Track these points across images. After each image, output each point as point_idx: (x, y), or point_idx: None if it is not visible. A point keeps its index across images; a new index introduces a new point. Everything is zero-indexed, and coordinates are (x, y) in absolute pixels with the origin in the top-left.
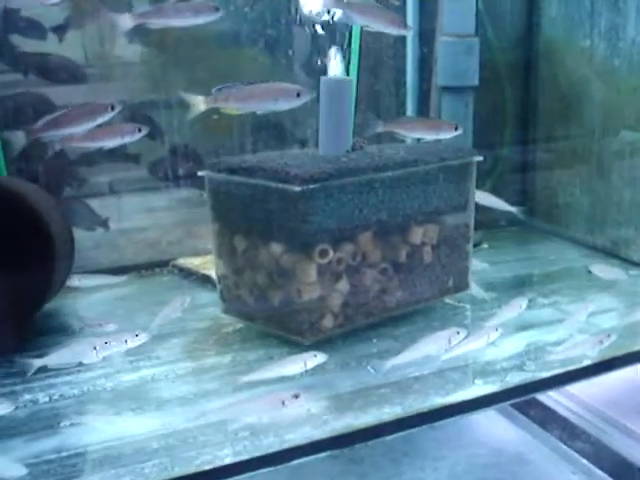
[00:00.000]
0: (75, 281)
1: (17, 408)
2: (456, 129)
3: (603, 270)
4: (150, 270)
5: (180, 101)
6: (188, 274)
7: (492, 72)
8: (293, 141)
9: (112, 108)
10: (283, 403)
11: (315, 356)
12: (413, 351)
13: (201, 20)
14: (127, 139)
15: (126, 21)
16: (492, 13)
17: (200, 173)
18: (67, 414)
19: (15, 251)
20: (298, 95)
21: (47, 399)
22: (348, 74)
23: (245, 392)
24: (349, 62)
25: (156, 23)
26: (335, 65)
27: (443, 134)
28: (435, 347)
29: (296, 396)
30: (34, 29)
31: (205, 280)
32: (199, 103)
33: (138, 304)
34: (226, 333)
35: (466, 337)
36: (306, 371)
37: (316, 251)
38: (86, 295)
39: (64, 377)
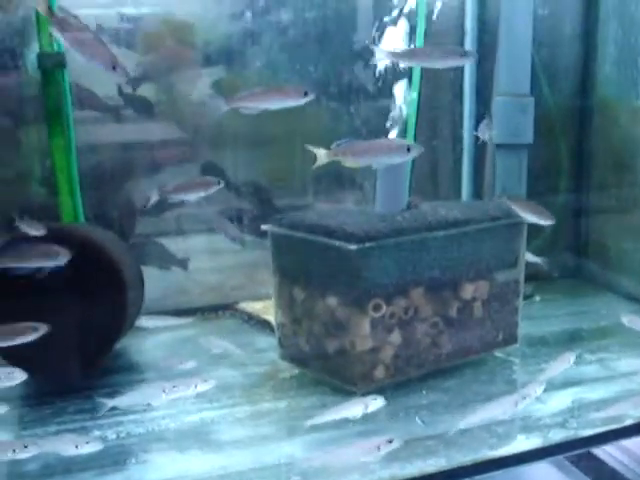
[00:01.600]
0: (144, 322)
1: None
2: None
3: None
4: (213, 313)
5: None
6: (249, 318)
7: (546, 128)
8: (352, 185)
9: (219, 183)
10: (379, 448)
11: (375, 399)
12: (481, 413)
13: (290, 103)
14: (207, 192)
15: (220, 105)
16: (548, 71)
17: (264, 227)
18: (134, 451)
19: (90, 296)
20: (408, 150)
21: (115, 436)
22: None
23: (299, 438)
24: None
25: (248, 107)
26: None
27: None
28: (501, 410)
29: (390, 441)
30: None
31: (265, 325)
32: (323, 155)
33: (202, 347)
34: (282, 379)
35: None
36: (357, 420)
37: (370, 305)
38: (153, 335)
39: (131, 416)
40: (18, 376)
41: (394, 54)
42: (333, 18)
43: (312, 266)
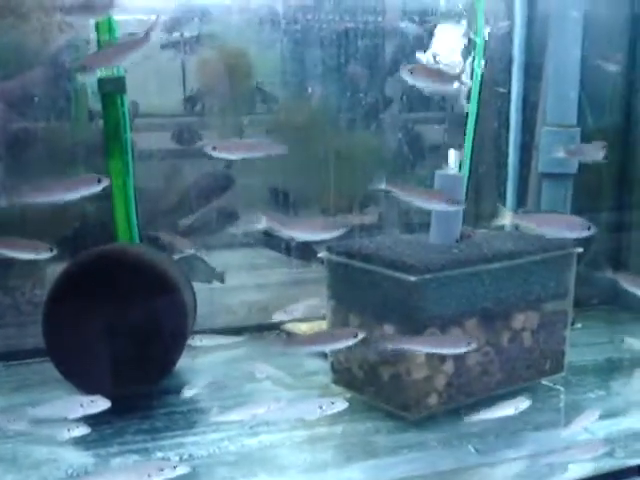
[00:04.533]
0: (197, 341)
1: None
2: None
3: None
4: (260, 333)
5: None
6: None
7: None
8: None
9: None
10: None
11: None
12: None
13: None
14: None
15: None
16: (593, 102)
17: (320, 255)
18: (197, 474)
19: (154, 318)
20: (589, 229)
21: (178, 458)
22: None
23: (358, 463)
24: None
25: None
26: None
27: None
28: None
29: None
30: None
31: None
32: (507, 217)
33: (252, 368)
34: None
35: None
36: (412, 447)
37: (426, 334)
38: (203, 355)
39: (191, 437)
40: (101, 404)
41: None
42: (383, 47)
43: (369, 294)
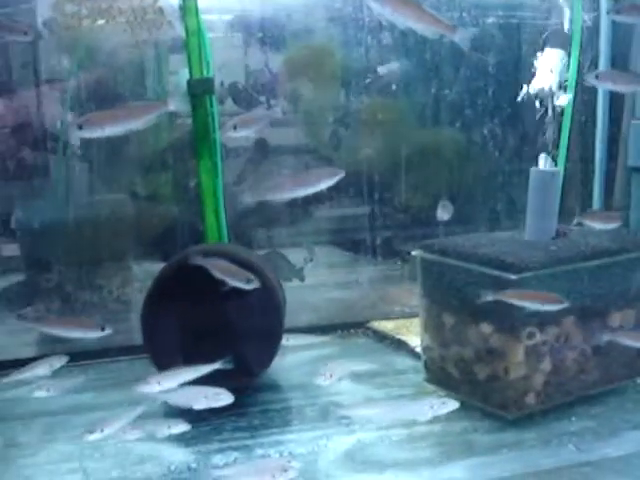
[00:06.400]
0: (284, 340)
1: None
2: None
3: None
4: (346, 331)
5: None
6: (382, 338)
7: None
8: None
9: None
10: None
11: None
12: None
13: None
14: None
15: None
16: None
17: (413, 252)
18: (301, 472)
19: (250, 315)
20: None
21: (278, 456)
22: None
23: (458, 462)
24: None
25: None
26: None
27: None
28: None
29: None
30: None
31: (399, 345)
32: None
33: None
34: None
35: None
36: (512, 446)
37: (524, 333)
38: (292, 353)
39: (288, 435)
40: (225, 398)
41: None
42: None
43: (465, 293)
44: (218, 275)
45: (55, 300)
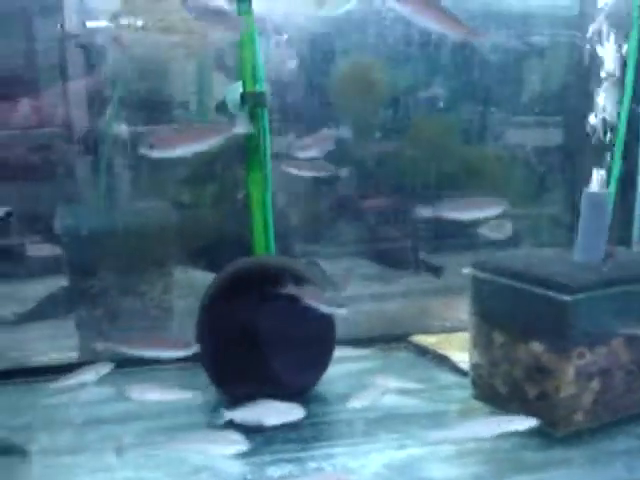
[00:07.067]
0: None
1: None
2: None
3: None
4: (386, 344)
5: None
6: (424, 352)
7: None
8: None
9: None
10: None
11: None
12: None
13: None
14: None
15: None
16: None
17: (465, 271)
18: None
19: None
20: None
21: (332, 468)
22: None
23: (509, 478)
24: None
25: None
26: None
27: None
28: None
29: None
30: None
31: (441, 360)
32: None
33: (384, 380)
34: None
35: None
36: (560, 464)
37: (575, 353)
38: (333, 365)
39: (339, 448)
40: (297, 412)
41: None
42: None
43: (516, 312)
44: (312, 304)
45: (98, 306)
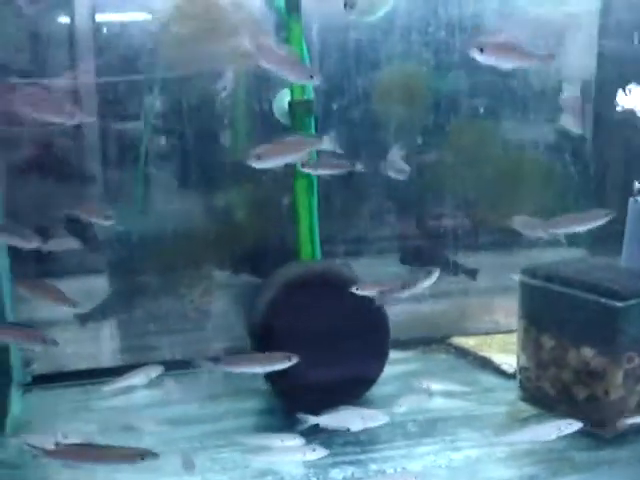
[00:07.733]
0: None
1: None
2: None
3: None
4: (427, 346)
5: None
6: (464, 354)
7: None
8: None
9: None
10: None
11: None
12: None
13: None
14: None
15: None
16: None
17: (514, 277)
18: None
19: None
20: None
21: (392, 471)
22: None
23: (565, 478)
24: None
25: None
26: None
27: None
28: None
29: None
30: None
31: (483, 363)
32: None
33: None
34: (526, 419)
35: None
36: (612, 463)
37: (625, 357)
38: None
39: (397, 450)
40: (381, 418)
41: None
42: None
43: (566, 317)
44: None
45: (138, 308)
